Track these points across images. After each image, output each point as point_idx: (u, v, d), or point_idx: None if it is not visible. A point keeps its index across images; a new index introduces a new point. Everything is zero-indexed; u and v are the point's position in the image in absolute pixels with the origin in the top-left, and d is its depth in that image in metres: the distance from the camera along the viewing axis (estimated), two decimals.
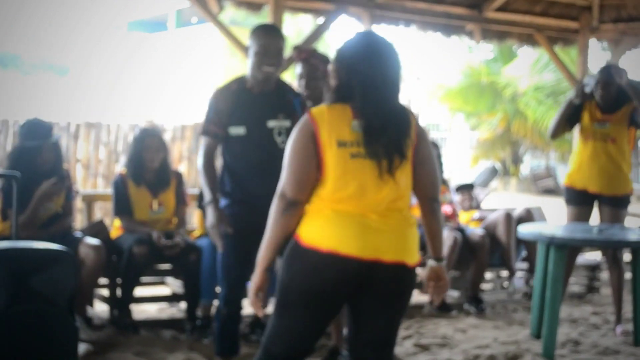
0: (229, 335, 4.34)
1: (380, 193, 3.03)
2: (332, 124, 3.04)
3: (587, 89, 6.04)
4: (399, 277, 3.06)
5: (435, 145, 7.27)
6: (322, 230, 3.00)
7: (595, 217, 6.21)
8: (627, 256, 6.91)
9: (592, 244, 6.16)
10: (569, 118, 6.19)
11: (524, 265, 7.32)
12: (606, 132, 6.04)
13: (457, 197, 7.51)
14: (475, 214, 7.41)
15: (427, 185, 3.21)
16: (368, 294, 3.07)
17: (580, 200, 6.15)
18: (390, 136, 3.04)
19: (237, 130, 4.32)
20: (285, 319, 3.07)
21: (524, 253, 7.21)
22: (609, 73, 6.03)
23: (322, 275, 2.97)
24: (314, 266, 2.97)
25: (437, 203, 3.24)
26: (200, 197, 5.87)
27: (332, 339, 4.92)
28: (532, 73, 21.72)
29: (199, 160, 4.38)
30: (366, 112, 3.04)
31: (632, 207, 7.06)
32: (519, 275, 6.72)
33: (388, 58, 3.15)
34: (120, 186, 5.89)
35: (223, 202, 4.34)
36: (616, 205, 6.07)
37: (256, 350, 4.41)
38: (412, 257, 3.09)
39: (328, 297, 3.03)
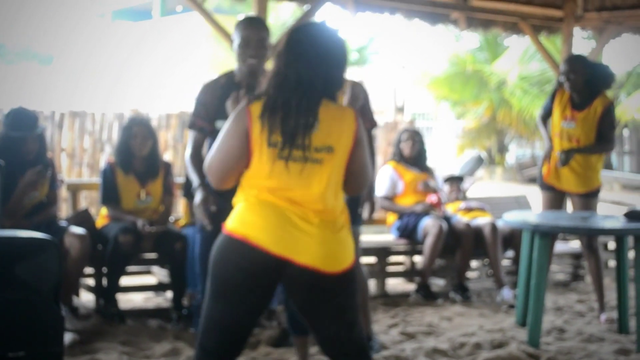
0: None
1: (308, 196, 2.98)
2: (266, 122, 2.98)
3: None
4: (313, 283, 3.01)
5: (418, 133, 7.30)
6: (240, 217, 2.99)
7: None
8: (612, 244, 6.96)
9: (576, 232, 6.18)
10: (547, 110, 6.22)
11: (509, 262, 7.34)
12: (571, 133, 6.02)
13: (445, 188, 7.51)
14: (462, 204, 7.42)
15: (352, 189, 3.15)
16: (295, 294, 3.07)
17: (552, 188, 6.18)
18: (318, 138, 2.99)
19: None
20: (213, 311, 3.05)
21: (511, 253, 7.20)
22: (573, 62, 6.00)
23: (234, 262, 2.96)
24: (228, 252, 2.97)
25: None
26: (185, 186, 5.86)
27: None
28: (520, 64, 21.75)
29: (187, 153, 4.36)
30: (297, 109, 2.97)
31: (616, 195, 7.10)
32: (507, 286, 6.71)
33: (327, 56, 3.06)
34: (108, 174, 5.88)
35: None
36: (586, 197, 6.09)
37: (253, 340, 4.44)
38: (333, 264, 3.00)
39: (245, 287, 2.99)
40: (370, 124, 4.61)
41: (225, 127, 3.07)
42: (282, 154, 2.97)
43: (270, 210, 2.97)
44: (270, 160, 2.97)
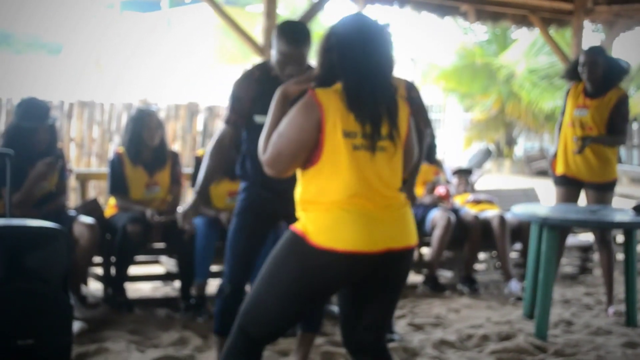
0: (229, 313, 4.29)
1: (380, 184, 2.99)
2: (338, 111, 2.94)
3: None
4: (407, 260, 3.10)
5: (429, 125, 7.28)
6: (334, 231, 2.93)
7: (583, 198, 6.23)
8: (620, 237, 6.95)
9: (585, 225, 6.18)
10: (563, 113, 6.22)
11: (517, 255, 7.35)
12: (584, 121, 6.01)
13: (454, 180, 7.51)
14: (470, 196, 7.41)
15: (404, 171, 3.18)
16: (374, 281, 3.07)
17: (566, 182, 6.16)
18: (386, 125, 2.99)
19: (263, 119, 4.09)
20: (272, 305, 3.04)
21: (519, 245, 7.20)
22: (593, 53, 6.01)
23: (335, 274, 2.96)
24: (329, 267, 2.94)
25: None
26: (194, 176, 5.87)
27: None
28: (528, 56, 21.70)
29: (209, 146, 4.28)
30: (363, 100, 2.96)
31: (626, 189, 7.09)
32: (515, 279, 6.71)
33: (383, 42, 3.06)
34: (117, 165, 5.88)
35: (243, 184, 4.29)
36: (601, 189, 6.07)
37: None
38: (414, 236, 3.10)
39: (327, 292, 3.07)
40: (424, 123, 4.55)
41: (291, 117, 3.00)
42: (357, 144, 2.95)
43: (357, 217, 2.94)
44: (346, 151, 2.94)
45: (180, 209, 4.13)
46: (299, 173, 3.06)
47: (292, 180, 3.13)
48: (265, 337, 3.13)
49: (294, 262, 2.98)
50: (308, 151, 2.97)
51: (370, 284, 3.07)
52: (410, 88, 4.32)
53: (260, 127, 3.96)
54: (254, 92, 4.10)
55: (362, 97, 2.95)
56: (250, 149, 4.15)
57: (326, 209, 2.95)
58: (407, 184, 3.19)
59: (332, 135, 2.93)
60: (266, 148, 3.05)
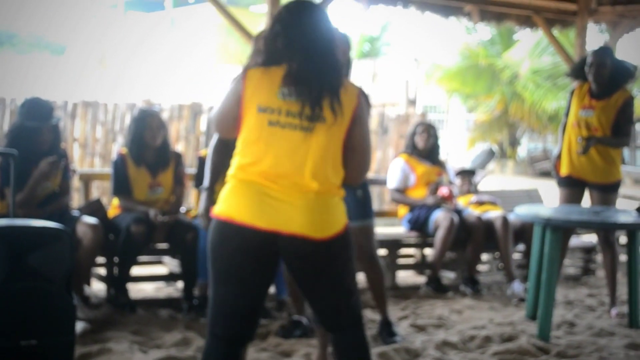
0: None
1: (295, 165, 3.02)
2: (259, 87, 3.05)
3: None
4: (306, 251, 3.05)
5: (432, 127, 7.29)
6: (224, 200, 3.06)
7: (587, 199, 6.23)
8: (623, 239, 6.95)
9: (588, 226, 6.18)
10: (567, 113, 6.21)
11: (520, 256, 7.35)
12: (590, 121, 6.01)
13: (457, 181, 7.51)
14: (473, 197, 7.41)
15: (352, 173, 3.19)
16: (289, 267, 3.13)
17: (570, 184, 6.16)
18: (319, 109, 3.03)
19: None
20: (217, 296, 3.12)
21: (522, 246, 7.21)
22: (602, 54, 6.01)
23: (228, 243, 3.03)
24: (220, 235, 3.04)
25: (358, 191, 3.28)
26: (197, 177, 5.88)
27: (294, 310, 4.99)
28: (532, 57, 21.68)
29: (211, 143, 4.28)
30: (294, 78, 3.03)
31: (629, 190, 7.08)
32: (518, 280, 6.71)
33: (326, 27, 3.15)
34: (120, 166, 5.89)
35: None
36: (605, 190, 6.07)
37: (263, 331, 4.48)
38: (321, 230, 3.04)
39: (242, 267, 3.05)
40: None
41: (225, 92, 3.16)
42: (273, 120, 3.03)
43: (248, 189, 3.03)
44: (260, 126, 3.04)
45: (200, 208, 4.12)
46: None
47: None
48: (233, 335, 3.13)
49: (212, 241, 3.09)
50: (232, 119, 3.11)
51: (289, 269, 3.14)
52: (362, 94, 4.37)
53: None
54: None
55: (301, 76, 3.03)
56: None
57: (230, 182, 3.08)
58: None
59: (249, 109, 3.05)
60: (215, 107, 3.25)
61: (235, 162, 3.10)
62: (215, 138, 4.20)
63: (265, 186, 3.01)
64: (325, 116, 3.04)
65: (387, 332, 5.11)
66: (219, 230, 3.06)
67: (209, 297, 3.19)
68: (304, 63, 3.04)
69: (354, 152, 3.15)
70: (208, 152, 4.21)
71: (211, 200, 4.12)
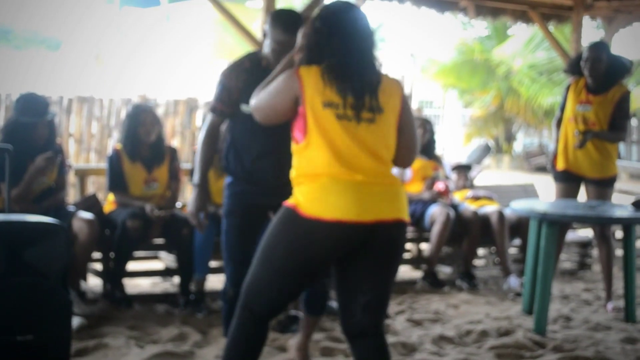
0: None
1: (366, 154, 3.11)
2: (317, 85, 3.12)
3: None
4: (398, 234, 3.18)
5: (429, 122, 7.29)
6: (322, 200, 3.05)
7: (582, 194, 6.23)
8: (619, 233, 6.95)
9: (584, 221, 6.19)
10: (563, 108, 6.22)
11: (516, 250, 7.36)
12: (587, 116, 6.02)
13: (453, 176, 7.51)
14: (469, 192, 7.42)
15: (403, 154, 3.30)
16: (366, 255, 3.14)
17: (566, 178, 6.16)
18: (369, 98, 3.14)
19: (249, 109, 4.05)
20: (271, 279, 3.16)
21: (518, 241, 7.21)
22: (597, 49, 6.02)
23: (323, 243, 3.06)
24: (316, 236, 3.05)
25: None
26: (193, 172, 5.86)
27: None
28: (526, 52, 21.69)
29: (200, 136, 4.27)
30: (348, 73, 3.13)
31: (625, 185, 7.09)
32: (514, 274, 6.72)
33: (365, 24, 3.25)
34: (115, 162, 5.88)
35: (228, 179, 4.27)
36: (602, 185, 6.08)
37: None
38: (406, 213, 3.20)
39: (320, 263, 3.14)
40: None
41: (275, 82, 3.22)
42: (339, 114, 3.11)
43: (345, 187, 3.06)
44: (330, 121, 3.10)
45: (189, 207, 4.11)
46: (293, 151, 3.20)
47: (275, 171, 3.17)
48: (269, 312, 3.25)
49: (287, 234, 3.10)
50: (282, 114, 3.21)
51: (362, 258, 3.15)
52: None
53: (246, 117, 3.94)
54: (243, 82, 4.05)
55: (348, 71, 3.13)
56: (234, 140, 4.14)
57: (314, 180, 3.08)
58: None
59: (313, 107, 3.10)
60: (256, 94, 3.32)
61: (314, 158, 3.12)
62: (204, 132, 4.20)
63: (357, 179, 3.07)
64: (382, 106, 3.16)
65: None
66: (307, 227, 3.06)
67: (252, 277, 3.22)
68: (346, 59, 3.15)
69: (406, 134, 3.27)
70: (197, 146, 4.21)
71: (202, 198, 4.11)
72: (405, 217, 3.18)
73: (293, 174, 3.19)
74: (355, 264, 3.17)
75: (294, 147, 3.19)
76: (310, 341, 4.43)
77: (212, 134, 4.18)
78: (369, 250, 3.14)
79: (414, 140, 3.31)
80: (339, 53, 3.15)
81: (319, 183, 3.07)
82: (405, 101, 3.27)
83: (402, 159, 3.30)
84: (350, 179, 3.06)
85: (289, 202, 3.13)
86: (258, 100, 3.28)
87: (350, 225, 3.03)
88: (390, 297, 3.31)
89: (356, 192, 3.05)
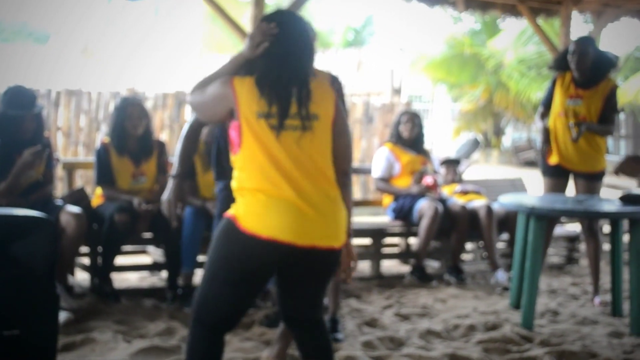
0: None
1: (302, 166, 3.10)
2: (250, 94, 3.11)
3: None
4: (329, 260, 3.18)
5: (417, 116, 7.29)
6: (260, 217, 3.05)
7: (571, 189, 6.24)
8: (606, 227, 6.97)
9: (572, 215, 6.18)
10: (547, 103, 6.22)
11: (504, 245, 7.38)
12: (578, 110, 6.02)
13: (441, 170, 7.52)
14: (458, 187, 7.42)
15: (341, 157, 3.28)
16: (299, 272, 3.19)
17: (555, 173, 6.17)
18: (303, 107, 3.14)
19: None
20: (216, 291, 3.16)
21: (506, 235, 7.23)
22: (584, 43, 6.02)
23: (260, 259, 3.07)
24: (253, 251, 3.05)
25: (348, 177, 3.32)
26: None
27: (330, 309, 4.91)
28: (516, 46, 21.70)
29: (183, 129, 4.29)
30: (281, 82, 3.13)
31: (613, 179, 7.11)
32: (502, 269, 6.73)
33: (301, 31, 3.26)
34: (102, 155, 5.87)
35: (220, 184, 4.29)
36: (591, 179, 6.10)
37: (247, 320, 4.45)
38: (341, 239, 3.18)
39: (261, 275, 3.16)
40: None
41: (211, 91, 3.19)
42: (274, 124, 3.09)
43: (283, 207, 3.05)
44: (264, 132, 3.08)
45: (163, 195, 4.11)
46: (232, 161, 3.20)
47: None
48: (219, 323, 3.22)
49: (227, 246, 3.11)
50: (218, 120, 3.30)
51: (296, 273, 3.20)
52: (334, 80, 4.39)
53: None
54: None
55: (278, 80, 3.13)
56: (227, 144, 4.14)
57: (253, 194, 3.08)
58: (346, 176, 3.29)
59: (247, 118, 3.09)
60: (194, 90, 3.28)
61: (251, 171, 3.11)
62: (187, 125, 4.21)
63: (293, 198, 3.05)
64: (316, 113, 3.16)
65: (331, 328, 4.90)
66: (245, 242, 3.06)
67: (200, 289, 3.21)
68: (277, 68, 3.16)
69: (339, 137, 3.25)
70: (180, 138, 4.22)
71: (179, 189, 4.11)
72: (339, 244, 3.17)
73: (234, 185, 3.18)
74: (290, 276, 3.23)
75: (232, 157, 3.19)
76: (287, 352, 4.34)
77: (195, 128, 4.20)
78: (302, 269, 3.18)
79: (349, 143, 3.31)
80: (272, 62, 3.17)
81: (257, 198, 3.07)
82: (338, 104, 3.26)
83: (341, 163, 3.28)
84: (289, 197, 3.05)
85: (230, 212, 3.14)
86: (195, 100, 3.28)
87: (285, 246, 3.04)
88: (323, 298, 3.35)
89: (294, 213, 3.04)
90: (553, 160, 6.16)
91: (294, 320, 3.35)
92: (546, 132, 6.16)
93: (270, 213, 3.04)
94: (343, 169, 3.29)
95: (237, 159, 3.16)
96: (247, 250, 3.06)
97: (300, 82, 3.17)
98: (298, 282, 3.25)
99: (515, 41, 21.72)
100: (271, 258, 3.08)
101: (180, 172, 4.14)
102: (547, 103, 6.21)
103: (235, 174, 3.18)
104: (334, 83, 4.43)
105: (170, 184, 4.10)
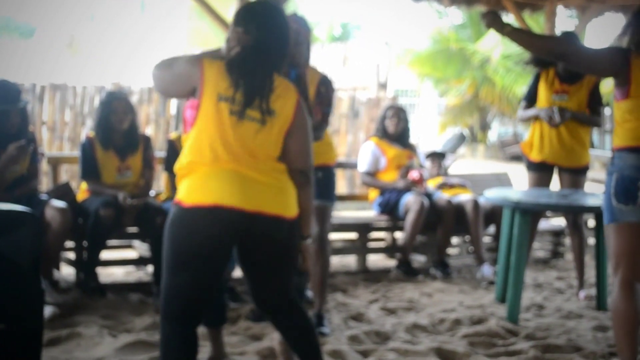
0: (216, 305, 4.24)
1: (246, 152, 3.13)
2: (217, 76, 3.15)
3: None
4: (279, 229, 3.19)
5: (403, 110, 7.30)
6: (203, 187, 3.08)
7: (555, 183, 6.26)
8: (591, 222, 7.00)
9: (557, 209, 6.22)
10: (530, 98, 6.22)
11: (489, 239, 7.40)
12: (564, 105, 6.04)
13: (427, 163, 7.53)
14: (442, 179, 7.44)
15: (297, 156, 3.29)
16: (252, 246, 3.21)
17: (540, 168, 6.17)
18: (263, 101, 3.18)
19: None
20: (177, 278, 3.15)
21: (492, 229, 7.25)
22: (570, 40, 6.03)
23: (206, 231, 3.07)
24: (200, 223, 3.06)
25: (306, 177, 3.32)
26: (166, 160, 5.84)
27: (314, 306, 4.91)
28: (505, 42, 21.72)
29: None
30: (247, 71, 3.17)
31: (597, 174, 7.14)
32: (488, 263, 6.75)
33: (281, 27, 3.29)
34: (87, 150, 5.85)
35: None
36: (576, 173, 6.12)
37: (233, 315, 4.45)
38: (291, 210, 3.22)
39: (215, 251, 3.13)
40: (323, 117, 4.55)
41: (178, 68, 3.21)
42: (233, 110, 3.13)
43: (228, 175, 3.09)
44: (223, 113, 3.13)
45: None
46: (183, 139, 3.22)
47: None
48: (185, 314, 3.19)
49: (173, 230, 3.12)
50: (176, 95, 3.45)
51: (249, 252, 3.23)
52: (323, 82, 4.41)
53: None
54: None
55: (244, 68, 3.17)
56: None
57: (196, 170, 3.11)
58: (304, 176, 3.32)
59: (210, 98, 3.12)
60: (161, 64, 3.25)
61: (199, 149, 3.14)
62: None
63: (241, 170, 3.10)
64: (274, 109, 3.20)
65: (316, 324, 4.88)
66: (188, 216, 3.08)
67: (161, 284, 3.21)
68: (246, 57, 3.20)
69: (294, 135, 3.28)
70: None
71: None
72: (288, 213, 3.19)
73: (177, 166, 3.20)
74: (247, 258, 3.27)
75: (183, 136, 3.22)
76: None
77: None
78: (255, 242, 3.19)
79: (306, 143, 3.32)
80: (244, 51, 3.20)
81: (200, 172, 3.10)
82: (300, 107, 3.29)
83: (295, 162, 3.29)
84: (234, 168, 3.10)
85: (174, 200, 3.17)
86: (160, 73, 3.26)
87: (229, 210, 3.05)
88: (291, 281, 3.36)
89: (239, 180, 3.09)
90: (535, 156, 6.16)
91: (268, 308, 3.39)
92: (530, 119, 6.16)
93: (212, 181, 3.08)
94: (299, 168, 3.30)
95: (187, 138, 3.21)
96: (192, 225, 3.07)
97: (267, 76, 3.21)
98: (256, 262, 3.26)
99: (503, 37, 21.73)
100: (218, 228, 3.07)
101: None
102: (530, 98, 6.22)
103: (182, 154, 3.20)
104: (322, 85, 4.44)
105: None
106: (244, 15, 3.28)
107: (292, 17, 4.50)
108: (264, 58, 3.21)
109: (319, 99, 4.39)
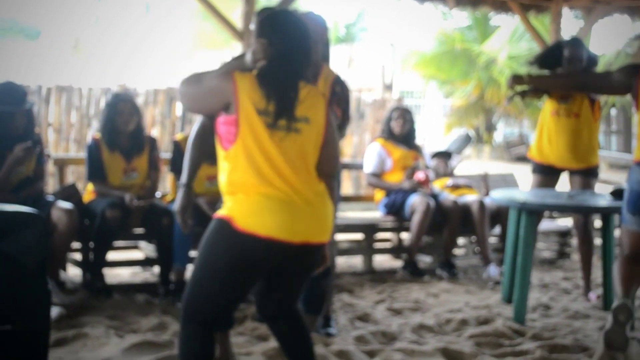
0: None
1: (292, 166, 3.15)
2: (251, 90, 3.14)
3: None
4: (318, 254, 3.30)
5: (409, 111, 7.30)
6: (257, 215, 3.09)
7: (564, 186, 6.24)
8: (598, 222, 6.99)
9: (563, 210, 6.21)
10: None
11: (495, 240, 7.40)
12: (569, 108, 6.03)
13: (432, 163, 7.53)
14: (449, 181, 7.43)
15: (328, 161, 3.32)
16: (287, 268, 3.25)
17: (546, 171, 6.16)
18: (295, 109, 3.18)
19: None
20: (214, 287, 3.19)
21: (498, 230, 7.24)
22: (579, 49, 6.02)
23: (256, 257, 3.12)
24: (251, 250, 3.10)
25: (333, 180, 3.36)
26: (172, 161, 5.85)
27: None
28: (511, 44, 21.72)
29: (190, 136, 4.20)
30: (278, 81, 3.17)
31: (603, 174, 7.13)
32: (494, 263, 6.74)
33: (304, 35, 3.30)
34: (94, 151, 5.86)
35: None
36: (587, 175, 6.10)
37: (240, 315, 4.44)
38: (329, 233, 3.29)
39: (257, 272, 3.22)
40: (343, 117, 4.54)
41: (208, 84, 3.19)
42: (269, 122, 3.13)
43: (278, 206, 3.11)
44: (262, 127, 3.12)
45: (176, 207, 4.07)
46: (220, 155, 3.23)
47: None
48: (210, 320, 3.26)
49: (222, 246, 3.14)
50: (208, 113, 3.32)
51: (284, 271, 3.27)
52: (337, 82, 4.42)
53: None
54: None
55: (275, 78, 3.17)
56: None
57: (247, 192, 3.12)
58: (333, 180, 3.35)
59: (247, 114, 3.12)
60: (188, 80, 3.25)
61: (245, 167, 3.13)
62: (194, 131, 4.15)
63: (291, 196, 3.12)
64: (307, 117, 3.21)
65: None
66: (240, 241, 3.10)
67: (191, 287, 3.24)
68: (275, 66, 3.20)
69: (328, 145, 3.30)
70: (188, 145, 4.13)
71: (189, 197, 4.07)
72: (327, 238, 3.26)
73: (223, 180, 3.21)
74: (280, 272, 3.28)
75: (221, 153, 3.21)
76: None
77: (202, 135, 4.12)
78: (290, 265, 3.24)
79: (337, 147, 3.38)
80: (271, 62, 3.20)
81: (253, 198, 3.11)
82: (329, 110, 3.32)
83: (326, 169, 3.31)
84: (283, 195, 3.11)
85: (222, 213, 3.16)
86: (188, 90, 3.25)
87: (281, 244, 3.10)
88: (301, 292, 3.44)
89: (289, 211, 3.11)
90: (540, 158, 6.14)
91: (271, 314, 3.42)
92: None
93: (266, 212, 3.09)
94: (331, 172, 3.34)
95: (228, 155, 3.17)
96: (245, 249, 3.09)
97: (295, 85, 3.21)
98: (287, 277, 3.31)
99: (509, 38, 21.73)
100: (267, 256, 3.13)
101: (189, 181, 4.10)
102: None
103: (225, 170, 3.19)
104: (337, 85, 4.45)
105: (179, 192, 4.07)
106: (267, 27, 3.27)
107: (308, 16, 4.50)
108: (291, 68, 3.22)
109: (335, 98, 4.41)
